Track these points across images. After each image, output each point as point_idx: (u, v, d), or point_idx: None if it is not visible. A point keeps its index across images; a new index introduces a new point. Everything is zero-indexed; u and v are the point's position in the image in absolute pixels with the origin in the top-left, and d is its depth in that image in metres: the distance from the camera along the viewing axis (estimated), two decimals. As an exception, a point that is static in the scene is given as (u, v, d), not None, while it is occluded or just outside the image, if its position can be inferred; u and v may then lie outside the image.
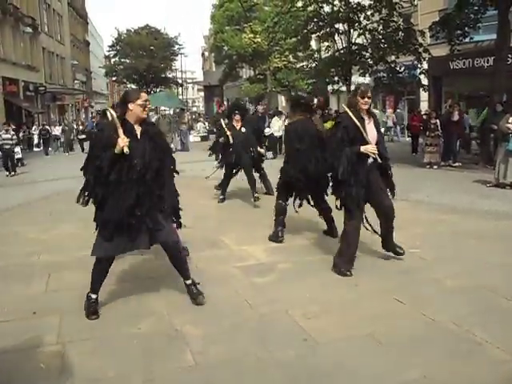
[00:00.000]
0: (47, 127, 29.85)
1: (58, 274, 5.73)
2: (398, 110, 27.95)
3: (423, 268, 5.57)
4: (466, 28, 15.37)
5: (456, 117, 14.82)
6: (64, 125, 30.31)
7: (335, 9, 18.43)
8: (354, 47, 18.37)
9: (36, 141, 30.61)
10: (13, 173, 17.23)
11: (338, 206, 5.50)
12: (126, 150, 4.20)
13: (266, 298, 4.84)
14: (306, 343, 3.90)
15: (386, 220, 5.55)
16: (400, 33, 17.66)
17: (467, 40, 15.83)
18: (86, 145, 22.26)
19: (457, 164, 14.88)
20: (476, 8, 15.17)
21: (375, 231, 5.77)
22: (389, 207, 5.46)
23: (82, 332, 4.20)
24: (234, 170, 10.05)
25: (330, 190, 5.91)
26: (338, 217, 5.92)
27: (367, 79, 21.00)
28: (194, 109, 75.59)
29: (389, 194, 5.59)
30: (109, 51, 57.90)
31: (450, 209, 8.64)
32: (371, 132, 5.34)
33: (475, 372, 3.45)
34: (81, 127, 28.46)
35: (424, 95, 22.59)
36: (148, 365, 3.64)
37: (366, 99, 5.29)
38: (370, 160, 5.29)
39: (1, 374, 3.62)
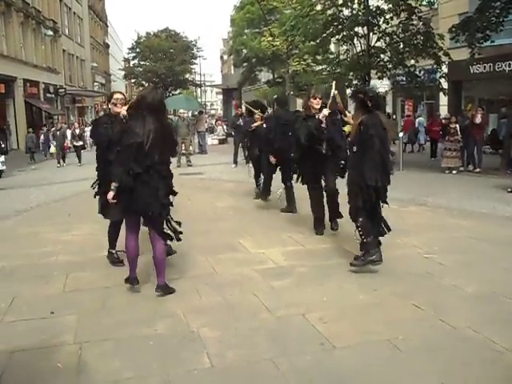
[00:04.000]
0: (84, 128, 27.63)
1: (76, 274, 5.78)
2: (394, 116, 27.77)
3: (442, 273, 5.50)
4: (488, 31, 15.13)
5: (479, 119, 14.54)
6: (55, 129, 23.86)
7: (354, 12, 18.36)
8: (372, 50, 18.25)
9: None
10: None
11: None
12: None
13: (284, 301, 4.82)
14: (323, 347, 3.88)
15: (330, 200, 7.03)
16: (419, 36, 17.51)
17: (488, 43, 15.59)
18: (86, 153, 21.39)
19: (477, 170, 14.62)
20: (498, 11, 14.95)
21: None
22: (331, 189, 6.94)
23: (98, 332, 4.22)
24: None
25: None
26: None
27: (386, 83, 20.86)
28: (213, 112, 75.73)
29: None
30: (128, 54, 58.51)
31: (469, 214, 8.53)
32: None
33: (494, 380, 3.40)
34: (77, 131, 23.86)
35: (443, 99, 22.35)
36: (164, 366, 3.65)
37: (318, 100, 6.77)
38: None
39: (18, 372, 3.66)
